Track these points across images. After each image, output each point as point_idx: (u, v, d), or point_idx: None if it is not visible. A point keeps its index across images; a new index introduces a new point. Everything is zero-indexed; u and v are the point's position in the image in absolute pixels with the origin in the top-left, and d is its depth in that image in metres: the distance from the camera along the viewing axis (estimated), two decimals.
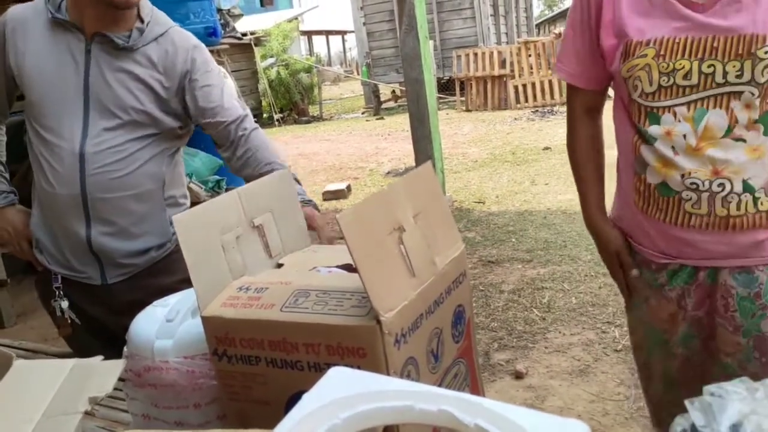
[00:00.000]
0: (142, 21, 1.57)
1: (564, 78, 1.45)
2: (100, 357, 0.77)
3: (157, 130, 1.61)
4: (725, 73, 1.20)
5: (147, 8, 1.60)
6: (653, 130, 1.29)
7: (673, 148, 1.27)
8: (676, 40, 1.22)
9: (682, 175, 1.27)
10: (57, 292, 1.68)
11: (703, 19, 1.21)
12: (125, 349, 0.96)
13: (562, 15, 31.62)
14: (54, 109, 1.55)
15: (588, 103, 1.49)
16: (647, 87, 1.26)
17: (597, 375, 2.73)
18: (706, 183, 1.25)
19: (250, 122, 1.69)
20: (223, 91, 1.65)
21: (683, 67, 1.22)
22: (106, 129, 1.55)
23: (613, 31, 1.29)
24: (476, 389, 1.02)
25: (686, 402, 0.49)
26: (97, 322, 1.72)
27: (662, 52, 1.23)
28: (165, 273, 1.69)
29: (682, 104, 1.24)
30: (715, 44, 1.20)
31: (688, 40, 1.22)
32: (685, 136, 1.25)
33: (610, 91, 1.47)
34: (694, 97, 1.23)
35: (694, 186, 1.26)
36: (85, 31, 1.54)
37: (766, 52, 1.17)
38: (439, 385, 0.89)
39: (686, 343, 1.41)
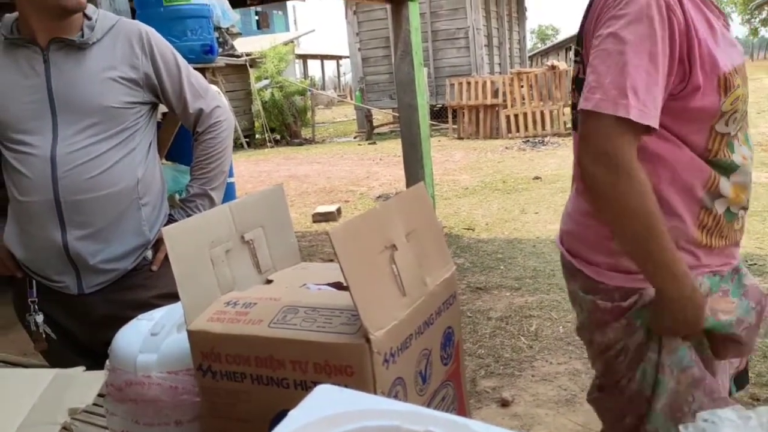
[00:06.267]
0: (89, 19, 1.62)
1: (651, 122, 1.13)
2: (82, 368, 0.75)
3: (127, 124, 1.63)
4: (747, 96, 1.23)
5: (91, 7, 1.65)
6: (736, 158, 1.24)
7: (748, 172, 1.26)
8: (741, 67, 1.21)
9: (747, 198, 1.28)
10: (32, 306, 1.66)
11: (739, 46, 1.23)
12: (107, 362, 0.94)
13: (554, 48, 32.05)
14: (22, 123, 1.57)
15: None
16: (740, 115, 1.22)
17: (583, 405, 2.70)
18: (749, 200, 1.30)
19: (209, 119, 1.74)
20: (182, 83, 1.70)
21: (744, 93, 1.22)
22: (76, 131, 1.57)
23: (706, 64, 1.17)
24: (463, 413, 1.01)
25: (680, 427, 0.49)
26: (72, 336, 1.70)
27: (741, 81, 1.20)
28: (142, 287, 1.68)
29: (740, 128, 1.25)
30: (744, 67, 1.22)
31: (743, 66, 1.22)
32: (751, 158, 1.27)
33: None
34: (742, 120, 1.24)
35: (747, 205, 1.29)
36: (39, 43, 1.58)
37: None
38: (427, 408, 0.88)
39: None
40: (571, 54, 1.51)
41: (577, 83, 1.31)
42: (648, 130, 1.14)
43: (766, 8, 39.43)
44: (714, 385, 1.28)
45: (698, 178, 1.23)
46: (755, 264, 4.21)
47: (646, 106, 1.11)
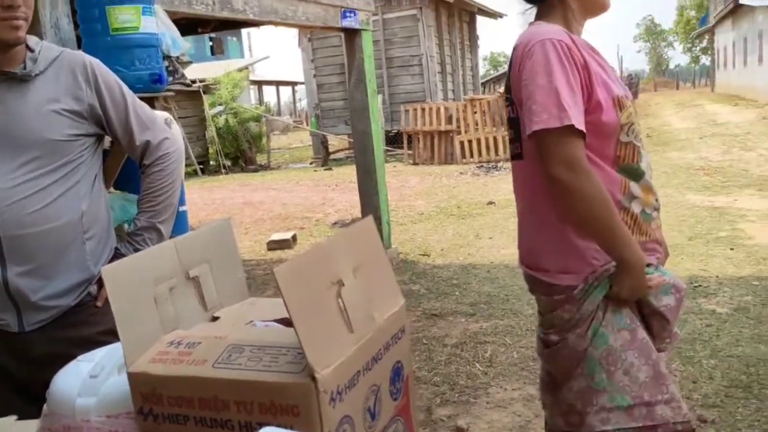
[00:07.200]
0: (32, 50, 1.59)
1: (580, 125, 1.44)
2: (14, 417, 0.72)
3: (71, 157, 1.59)
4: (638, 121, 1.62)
5: (33, 39, 1.61)
6: (644, 165, 1.58)
7: (651, 177, 1.59)
8: (630, 99, 1.59)
9: (656, 199, 1.60)
10: None
11: (626, 89, 1.61)
12: (44, 407, 0.90)
13: (506, 75, 32.74)
14: None
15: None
16: (637, 129, 1.57)
17: (537, 431, 2.72)
18: (659, 202, 1.62)
19: (157, 151, 1.72)
20: (128, 114, 1.68)
21: (634, 112, 1.57)
22: (18, 165, 1.53)
23: (603, 87, 1.52)
24: None
25: None
26: (12, 377, 1.63)
27: (631, 105, 1.57)
28: (85, 324, 1.63)
29: (641, 143, 1.59)
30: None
31: (632, 100, 1.60)
32: (650, 168, 1.60)
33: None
34: (639, 134, 1.60)
35: (659, 206, 1.61)
36: None
37: None
38: None
39: None
40: None
41: (511, 122, 1.64)
42: (583, 135, 1.45)
43: (706, 37, 41.22)
44: (649, 352, 1.54)
45: (615, 186, 1.54)
46: (700, 285, 4.34)
47: (579, 115, 1.45)
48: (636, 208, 1.56)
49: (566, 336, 1.58)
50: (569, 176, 1.43)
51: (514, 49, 1.58)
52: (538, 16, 1.64)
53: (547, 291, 1.61)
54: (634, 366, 1.52)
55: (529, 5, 1.68)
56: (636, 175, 1.56)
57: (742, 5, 22.05)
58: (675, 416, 1.51)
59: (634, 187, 1.55)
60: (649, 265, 1.56)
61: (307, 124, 19.91)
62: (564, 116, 1.41)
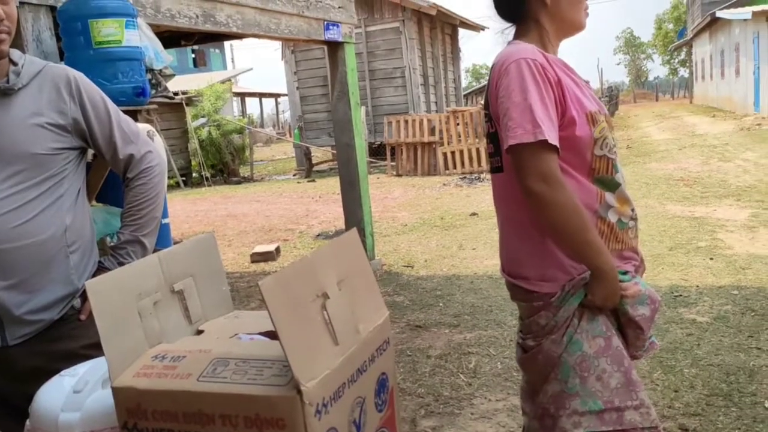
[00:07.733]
0: (15, 64, 1.58)
1: (553, 140, 1.49)
2: None
3: (55, 171, 1.59)
4: (613, 135, 1.68)
5: (16, 53, 1.61)
6: (618, 177, 1.63)
7: (626, 188, 1.65)
8: (604, 113, 1.64)
9: (632, 209, 1.65)
10: None
11: (602, 105, 1.67)
12: (27, 422, 0.90)
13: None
14: None
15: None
16: (611, 143, 1.62)
17: None
18: (636, 212, 1.67)
19: (140, 165, 1.73)
20: (112, 128, 1.68)
21: (607, 126, 1.62)
22: (2, 179, 1.52)
23: (576, 104, 1.58)
24: None
25: None
26: None
27: (604, 119, 1.62)
28: (69, 338, 1.62)
29: (616, 155, 1.65)
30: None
31: (607, 114, 1.65)
32: (624, 180, 1.66)
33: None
34: (614, 147, 1.64)
35: (636, 216, 1.66)
36: None
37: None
38: None
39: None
40: None
41: (490, 137, 1.68)
42: (557, 149, 1.50)
43: (684, 49, 41.87)
44: (622, 359, 1.59)
45: (591, 196, 1.60)
46: (680, 295, 4.39)
47: (553, 130, 1.50)
48: (612, 217, 1.62)
49: (542, 341, 1.63)
50: (543, 188, 1.49)
51: (492, 67, 1.65)
52: (516, 36, 1.71)
53: (527, 297, 1.66)
54: (606, 372, 1.57)
55: (507, 24, 1.74)
56: (611, 186, 1.62)
57: (719, 18, 22.46)
58: (643, 421, 1.57)
59: (610, 198, 1.61)
60: (626, 272, 1.61)
61: (291, 136, 19.91)
62: (538, 132, 1.47)
